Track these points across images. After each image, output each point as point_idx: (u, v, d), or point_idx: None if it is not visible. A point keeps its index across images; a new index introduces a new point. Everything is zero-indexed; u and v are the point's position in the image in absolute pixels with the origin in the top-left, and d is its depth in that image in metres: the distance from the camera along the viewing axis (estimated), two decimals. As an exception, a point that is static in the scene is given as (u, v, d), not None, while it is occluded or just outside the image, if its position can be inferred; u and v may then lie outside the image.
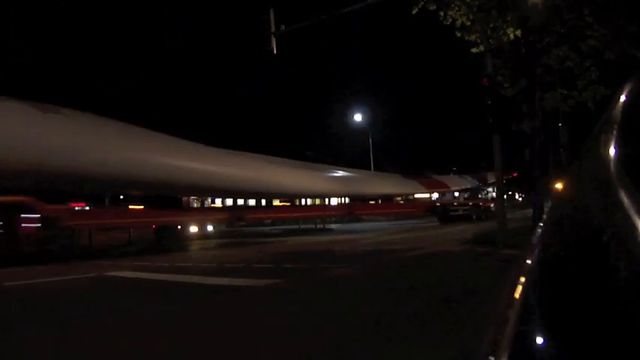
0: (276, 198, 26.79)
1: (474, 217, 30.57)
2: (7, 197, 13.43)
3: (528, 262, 0.71)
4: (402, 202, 34.76)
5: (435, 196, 34.58)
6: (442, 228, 24.26)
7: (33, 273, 10.34)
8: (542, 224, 0.89)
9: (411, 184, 31.23)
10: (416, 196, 34.37)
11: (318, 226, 28.24)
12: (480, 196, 37.23)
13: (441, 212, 30.20)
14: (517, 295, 0.61)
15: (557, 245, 0.71)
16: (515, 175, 37.93)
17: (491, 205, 35.07)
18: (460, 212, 30.54)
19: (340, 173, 26.34)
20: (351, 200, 31.41)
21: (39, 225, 14.25)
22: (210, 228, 24.21)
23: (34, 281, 9.22)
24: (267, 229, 30.06)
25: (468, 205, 32.41)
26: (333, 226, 29.17)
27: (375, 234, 20.85)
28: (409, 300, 5.67)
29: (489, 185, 36.46)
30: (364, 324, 4.59)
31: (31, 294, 7.94)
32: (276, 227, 30.20)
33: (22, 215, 13.94)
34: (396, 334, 4.20)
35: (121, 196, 20.34)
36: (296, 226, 28.72)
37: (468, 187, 36.43)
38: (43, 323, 5.40)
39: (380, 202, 33.17)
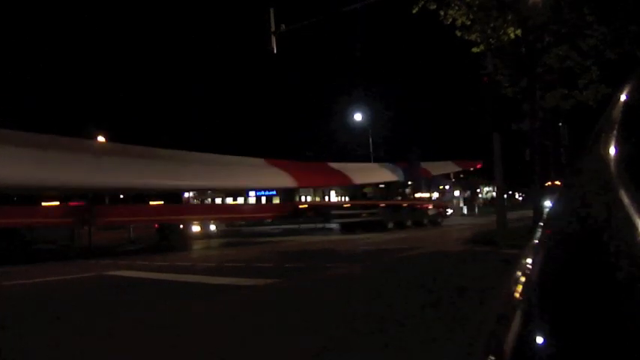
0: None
1: (391, 224, 22.48)
2: None
3: (528, 261, 0.71)
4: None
5: (436, 195, 32.08)
6: (442, 228, 24.22)
7: (30, 272, 10.33)
8: (541, 224, 0.89)
9: (265, 175, 19.66)
10: (417, 195, 29.69)
11: (318, 225, 28.20)
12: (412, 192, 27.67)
13: (323, 218, 21.88)
14: (517, 295, 0.61)
15: (557, 245, 0.71)
16: (479, 166, 30.64)
17: (429, 207, 26.18)
18: (364, 217, 21.95)
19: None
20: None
21: None
22: (212, 227, 24.17)
23: (31, 281, 9.21)
24: (267, 228, 30.08)
25: (377, 206, 23.16)
26: (332, 225, 29.17)
27: (375, 233, 20.85)
28: (408, 301, 5.67)
29: (425, 180, 27.80)
30: (364, 324, 4.59)
31: (29, 294, 7.94)
32: (277, 227, 30.20)
33: None
34: (395, 337, 4.20)
35: (121, 196, 20.01)
36: (296, 226, 28.73)
37: (391, 180, 25.59)
38: (42, 323, 5.40)
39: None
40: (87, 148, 15.86)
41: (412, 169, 25.55)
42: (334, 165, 22.97)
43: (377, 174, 24.85)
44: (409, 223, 23.56)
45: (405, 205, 24.92)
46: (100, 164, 14.81)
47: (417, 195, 28.08)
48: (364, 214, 22.14)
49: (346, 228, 21.86)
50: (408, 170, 25.23)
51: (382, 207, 23.16)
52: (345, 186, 24.31)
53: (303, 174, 21.07)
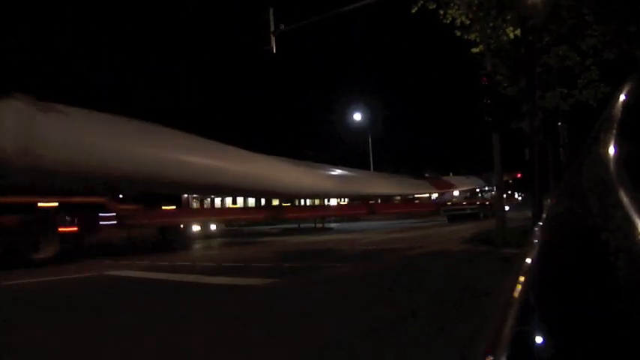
0: (278, 197, 25.48)
1: (481, 215, 29.00)
2: (85, 197, 13.91)
3: (528, 261, 0.71)
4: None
5: (435, 195, 33.52)
6: (447, 227, 24.25)
7: (31, 272, 10.32)
8: (541, 223, 0.89)
9: (417, 184, 30.60)
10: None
11: (318, 225, 28.23)
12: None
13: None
14: (516, 295, 0.61)
15: (556, 245, 0.71)
16: (519, 176, 36.17)
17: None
18: (468, 211, 29.35)
19: (339, 172, 25.67)
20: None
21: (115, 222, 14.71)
22: (213, 227, 24.15)
23: (32, 280, 9.21)
24: (266, 228, 30.06)
25: (475, 204, 30.81)
26: (332, 225, 29.18)
27: (374, 233, 20.87)
28: (406, 301, 5.68)
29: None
30: (363, 324, 4.59)
31: (30, 293, 7.94)
32: (276, 226, 30.19)
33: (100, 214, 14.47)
34: (396, 339, 4.20)
35: (120, 196, 20.08)
36: (295, 226, 28.72)
37: (477, 187, 33.81)
38: (43, 323, 5.39)
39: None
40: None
41: (489, 179, 32.84)
42: (447, 178, 33.65)
43: (469, 183, 33.94)
44: (490, 215, 29.37)
45: (487, 203, 31.98)
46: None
47: (417, 195, 29.72)
48: (469, 210, 30.09)
49: (452, 219, 28.83)
50: (486, 179, 33.14)
51: (478, 204, 31.10)
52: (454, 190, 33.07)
53: (437, 184, 31.55)
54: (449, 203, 31.14)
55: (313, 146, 37.66)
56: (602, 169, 0.70)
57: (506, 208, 35.96)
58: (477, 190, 34.45)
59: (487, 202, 32.20)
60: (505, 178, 35.73)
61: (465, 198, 32.93)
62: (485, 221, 24.97)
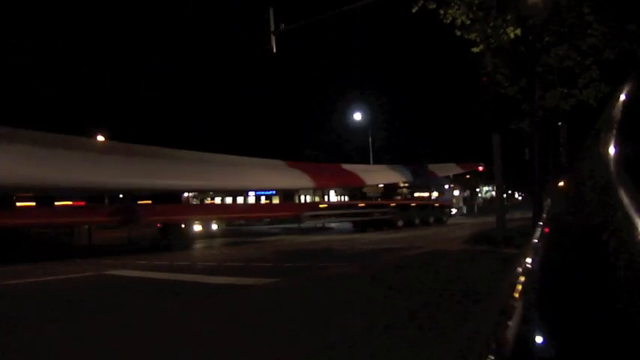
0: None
1: (401, 222, 22.88)
2: None
3: (528, 261, 0.71)
4: None
5: (435, 194, 32.05)
6: (444, 227, 24.22)
7: (30, 272, 10.32)
8: (541, 223, 0.89)
9: (287, 176, 19.94)
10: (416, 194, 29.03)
11: (318, 225, 28.16)
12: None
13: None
14: (517, 295, 0.61)
15: (556, 245, 0.71)
16: (481, 169, 31.26)
17: (435, 206, 26.86)
18: (376, 216, 22.34)
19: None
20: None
21: None
22: (214, 226, 24.11)
23: (31, 280, 9.20)
24: (266, 227, 30.05)
25: (388, 206, 23.82)
26: (333, 225, 29.16)
27: (375, 232, 20.86)
28: (404, 301, 5.67)
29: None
30: (362, 325, 4.59)
31: (29, 293, 7.94)
32: (276, 226, 30.17)
33: None
34: (396, 338, 4.20)
35: (120, 195, 19.97)
36: (295, 225, 28.68)
37: (400, 180, 25.54)
38: (43, 322, 5.39)
39: None
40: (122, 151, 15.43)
41: (420, 171, 26.00)
42: (347, 166, 23.17)
43: (387, 175, 24.97)
44: (417, 221, 24.13)
45: (413, 204, 25.37)
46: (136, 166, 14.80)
47: (416, 194, 28.19)
48: (376, 214, 22.68)
49: (359, 226, 22.33)
50: (416, 171, 25.53)
51: (393, 206, 23.84)
52: (357, 186, 24.42)
53: (320, 175, 21.30)
54: (322, 206, 23.09)
55: (313, 146, 37.63)
56: (602, 169, 0.70)
57: (453, 211, 33.01)
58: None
59: (415, 204, 25.47)
60: (460, 171, 33.00)
61: (371, 197, 25.43)
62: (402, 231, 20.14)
